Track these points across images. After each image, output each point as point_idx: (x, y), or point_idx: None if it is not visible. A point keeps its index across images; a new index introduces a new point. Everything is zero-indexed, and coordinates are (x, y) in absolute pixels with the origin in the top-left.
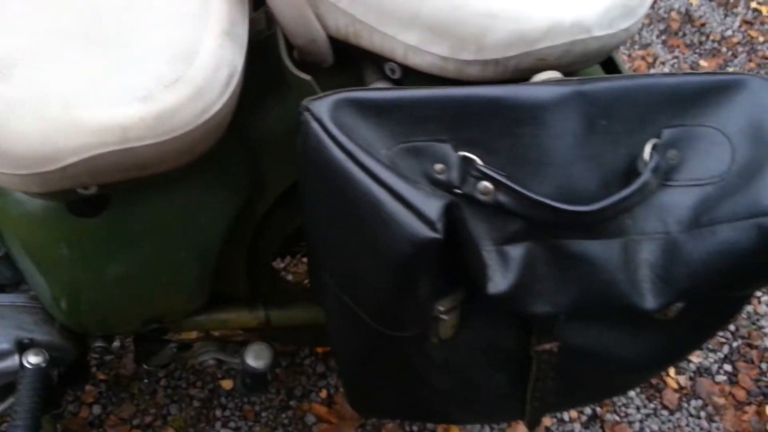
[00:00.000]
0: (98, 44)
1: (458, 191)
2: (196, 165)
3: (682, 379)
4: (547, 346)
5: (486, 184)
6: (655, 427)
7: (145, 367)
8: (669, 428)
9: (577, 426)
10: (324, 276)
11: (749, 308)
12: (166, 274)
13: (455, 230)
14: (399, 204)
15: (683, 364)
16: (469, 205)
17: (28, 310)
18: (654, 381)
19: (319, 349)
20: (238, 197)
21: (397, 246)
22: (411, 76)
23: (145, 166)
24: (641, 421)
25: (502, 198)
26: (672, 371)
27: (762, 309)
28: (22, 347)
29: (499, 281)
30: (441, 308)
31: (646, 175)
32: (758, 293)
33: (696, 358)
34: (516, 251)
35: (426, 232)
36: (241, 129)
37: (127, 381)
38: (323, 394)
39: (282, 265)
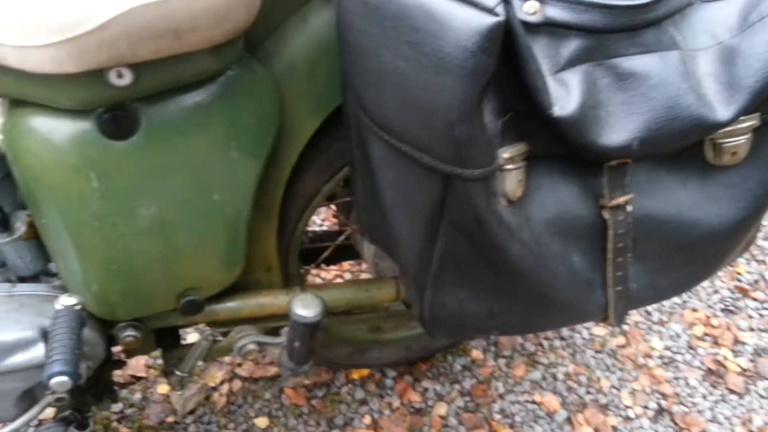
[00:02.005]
0: None
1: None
2: (226, 91)
3: (743, 362)
4: (621, 200)
5: (532, 2)
6: (727, 413)
7: (177, 373)
8: (742, 412)
9: (645, 422)
10: (376, 147)
11: None
12: (199, 222)
13: (512, 44)
14: (452, 1)
15: (739, 347)
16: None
17: (51, 299)
18: (713, 367)
19: (355, 375)
20: (270, 129)
21: (460, 43)
22: None
23: (179, 31)
24: (711, 409)
25: (551, 12)
26: (730, 355)
27: None
28: (46, 336)
29: (564, 104)
30: (505, 155)
31: None
32: None
33: (750, 339)
34: (574, 76)
35: (487, 18)
36: (265, 60)
37: None
38: (366, 420)
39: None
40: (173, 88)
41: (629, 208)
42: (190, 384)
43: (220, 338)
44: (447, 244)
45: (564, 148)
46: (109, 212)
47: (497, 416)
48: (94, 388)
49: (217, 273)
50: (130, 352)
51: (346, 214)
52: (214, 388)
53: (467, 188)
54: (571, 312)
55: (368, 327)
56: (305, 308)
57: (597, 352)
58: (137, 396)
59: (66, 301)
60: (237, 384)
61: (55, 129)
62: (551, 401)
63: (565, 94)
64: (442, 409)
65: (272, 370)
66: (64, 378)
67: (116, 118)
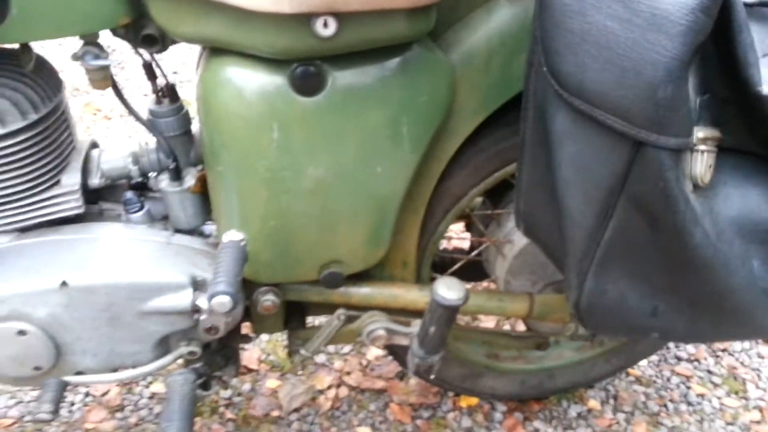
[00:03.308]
0: None
1: None
2: (407, 67)
3: None
4: None
5: None
6: None
7: (302, 352)
8: None
9: None
10: (561, 119)
11: None
12: (359, 192)
13: (727, 15)
14: None
15: None
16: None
17: (204, 253)
18: None
19: (463, 403)
20: (439, 113)
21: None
22: None
23: None
24: None
25: None
26: None
27: None
28: (196, 285)
29: None
30: (700, 135)
31: None
32: None
33: None
34: None
35: None
36: (445, 47)
37: (257, 422)
38: None
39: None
40: (361, 55)
41: None
42: (299, 383)
43: (353, 318)
44: (621, 222)
45: (757, 142)
46: (281, 166)
47: None
48: (223, 351)
49: (362, 250)
50: (259, 327)
51: (485, 227)
52: (321, 392)
53: (659, 158)
54: (743, 323)
55: (486, 352)
56: (449, 290)
57: (728, 423)
58: (246, 386)
59: (233, 235)
60: (344, 391)
61: (249, 79)
62: None
63: None
64: None
65: (379, 384)
66: (226, 298)
67: (307, 73)
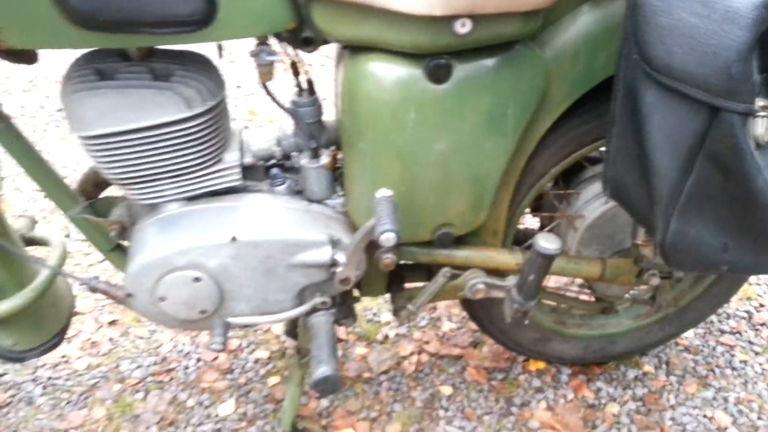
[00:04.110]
0: None
1: None
2: (513, 60)
3: None
4: None
5: None
6: None
7: (409, 307)
8: None
9: None
10: (650, 95)
11: None
12: (471, 164)
13: None
14: None
15: None
16: None
17: (336, 219)
18: None
19: (532, 367)
20: (535, 99)
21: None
22: None
23: None
24: None
25: None
26: None
27: None
28: (333, 244)
29: None
30: (760, 103)
31: None
32: None
33: None
34: None
35: None
36: (541, 45)
37: (351, 382)
38: (543, 405)
39: None
40: (478, 50)
41: None
42: (384, 350)
43: (455, 276)
44: (700, 174)
45: None
46: (414, 142)
47: (669, 422)
48: (345, 304)
49: (468, 214)
50: (366, 290)
51: (559, 203)
52: (405, 357)
53: (731, 120)
54: None
55: (554, 318)
56: (548, 242)
57: None
58: (338, 353)
59: (384, 192)
60: (424, 357)
61: (391, 71)
62: (723, 419)
63: None
64: (614, 408)
65: (456, 351)
66: (392, 234)
67: (438, 65)
